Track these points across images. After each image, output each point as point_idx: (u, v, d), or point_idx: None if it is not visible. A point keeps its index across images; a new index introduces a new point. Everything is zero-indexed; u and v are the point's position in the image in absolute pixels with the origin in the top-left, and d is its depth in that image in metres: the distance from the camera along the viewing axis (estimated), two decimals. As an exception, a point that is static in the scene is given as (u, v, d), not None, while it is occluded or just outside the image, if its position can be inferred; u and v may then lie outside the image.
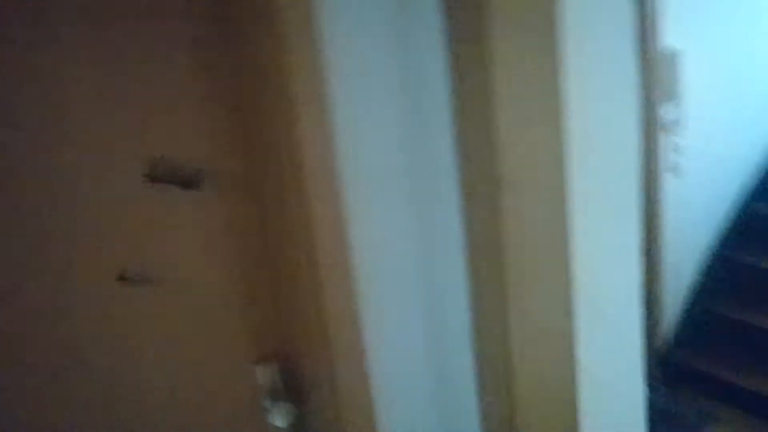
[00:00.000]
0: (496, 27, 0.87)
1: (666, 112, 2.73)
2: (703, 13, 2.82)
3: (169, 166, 0.99)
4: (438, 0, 0.94)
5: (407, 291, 1.04)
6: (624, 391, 1.26)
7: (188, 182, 0.98)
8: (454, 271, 1.00)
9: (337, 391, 0.95)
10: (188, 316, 1.05)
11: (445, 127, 0.92)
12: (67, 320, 1.04)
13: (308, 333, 0.94)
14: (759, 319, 2.87)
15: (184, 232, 1.05)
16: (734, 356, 2.89)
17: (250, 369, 0.98)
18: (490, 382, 0.99)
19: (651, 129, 2.70)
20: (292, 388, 0.97)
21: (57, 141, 0.99)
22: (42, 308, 1.02)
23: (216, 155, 1.01)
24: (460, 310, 0.99)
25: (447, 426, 1.07)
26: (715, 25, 2.86)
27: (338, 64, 0.89)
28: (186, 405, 1.06)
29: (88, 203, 1.03)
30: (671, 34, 2.67)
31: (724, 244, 3.07)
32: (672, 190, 2.81)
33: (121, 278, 1.02)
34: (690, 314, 3.01)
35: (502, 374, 0.95)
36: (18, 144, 0.97)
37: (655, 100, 2.69)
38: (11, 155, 0.97)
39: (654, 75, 2.64)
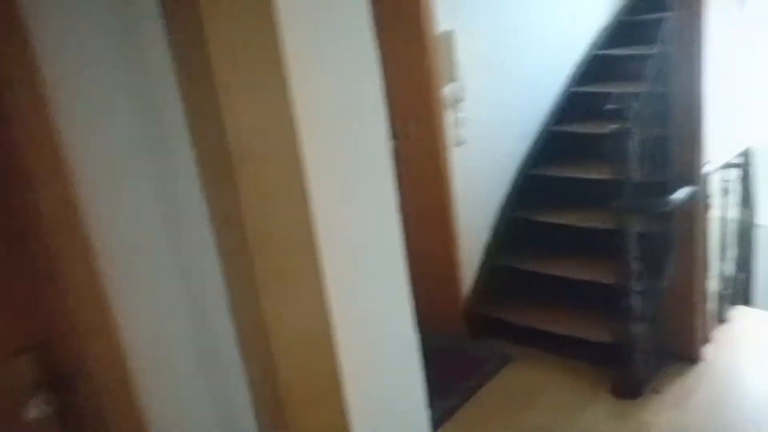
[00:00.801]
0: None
1: (448, 90, 3.00)
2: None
3: None
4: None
5: (157, 269, 1.09)
6: (394, 362, 1.40)
7: None
8: (203, 246, 1.06)
9: (93, 375, 0.97)
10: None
11: (174, 100, 0.98)
12: None
13: (63, 318, 0.95)
14: (543, 267, 3.29)
15: None
16: (526, 302, 3.29)
17: (8, 360, 0.97)
18: (252, 358, 1.07)
19: (435, 107, 2.95)
20: (54, 377, 0.98)
21: None
22: None
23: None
24: (215, 284, 1.06)
25: (214, 403, 1.14)
26: (486, 5, 3.19)
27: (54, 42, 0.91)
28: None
29: None
30: (446, 18, 2.93)
31: (508, 205, 3.46)
32: (460, 161, 3.10)
33: None
34: (486, 270, 3.37)
35: (262, 353, 1.03)
36: None
37: (437, 81, 2.95)
38: None
39: (434, 57, 2.88)
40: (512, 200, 3.48)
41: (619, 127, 2.41)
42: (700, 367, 2.85)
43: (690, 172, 2.62)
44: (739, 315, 3.28)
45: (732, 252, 3.21)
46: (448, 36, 2.95)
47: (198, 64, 0.92)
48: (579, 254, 3.25)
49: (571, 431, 2.57)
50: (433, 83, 2.93)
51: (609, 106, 2.39)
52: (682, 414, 2.58)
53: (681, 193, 2.55)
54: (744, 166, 3.16)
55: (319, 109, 1.10)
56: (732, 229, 3.19)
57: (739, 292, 3.36)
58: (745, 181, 3.20)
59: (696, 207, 2.65)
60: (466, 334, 3.28)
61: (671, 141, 2.64)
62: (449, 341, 3.23)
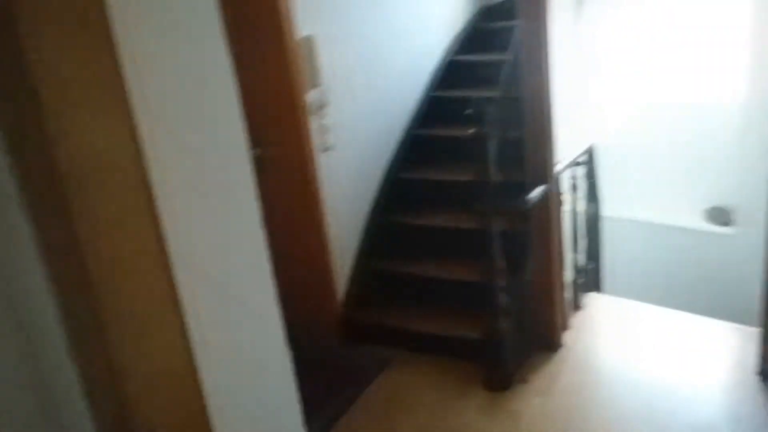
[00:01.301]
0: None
1: (312, 96, 2.95)
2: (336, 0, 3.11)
3: None
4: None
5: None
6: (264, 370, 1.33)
7: None
8: (35, 285, 0.93)
9: None
10: None
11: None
12: None
13: None
14: (414, 269, 3.34)
15: None
16: (400, 305, 3.32)
17: None
18: (103, 407, 0.96)
19: (300, 113, 2.89)
20: None
21: None
22: None
23: None
24: (51, 326, 0.93)
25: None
26: (346, 11, 3.18)
27: None
28: None
29: None
30: (307, 23, 2.88)
31: (378, 209, 3.48)
32: (327, 167, 3.07)
33: None
34: (359, 275, 3.36)
35: (114, 400, 0.92)
36: None
37: (300, 86, 2.89)
38: None
39: (295, 62, 2.82)
40: (381, 204, 3.50)
41: (478, 131, 2.49)
42: (562, 353, 3.04)
43: (543, 171, 2.78)
44: (592, 301, 3.55)
45: (583, 243, 3.46)
46: (309, 41, 2.90)
47: (20, 86, 0.80)
48: (448, 255, 3.34)
49: (448, 428, 2.63)
50: (296, 89, 2.87)
51: (469, 111, 2.47)
52: (549, 399, 2.73)
53: (536, 192, 2.70)
54: (588, 163, 3.42)
55: (167, 123, 1.00)
56: (581, 222, 3.44)
57: (591, 280, 3.64)
58: (590, 177, 3.47)
59: (550, 204, 2.82)
60: (343, 342, 3.25)
61: (526, 143, 2.78)
62: (326, 351, 3.18)
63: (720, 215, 4.49)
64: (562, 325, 3.11)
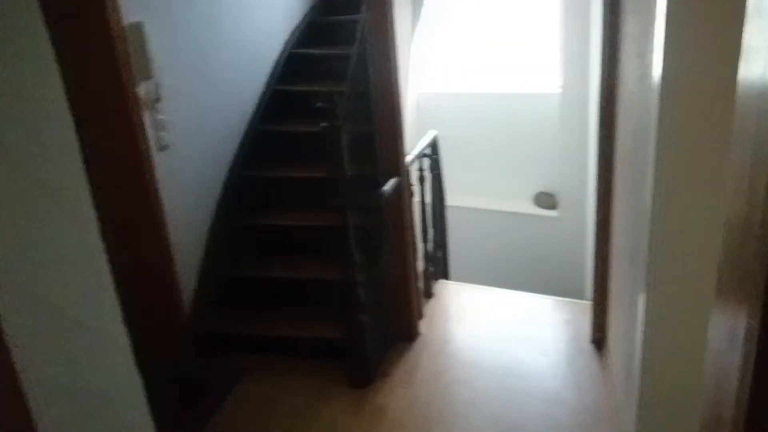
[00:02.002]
0: None
1: (143, 90, 2.68)
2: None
3: None
4: None
5: None
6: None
7: None
8: None
9: None
10: None
11: None
12: None
13: None
14: (267, 271, 3.19)
15: None
16: (254, 311, 3.15)
17: None
18: None
19: (131, 108, 2.61)
20: None
21: None
22: None
23: None
24: None
25: None
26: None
27: None
28: None
29: None
30: (135, 8, 2.60)
31: (223, 211, 3.27)
32: (165, 167, 2.81)
33: None
34: (206, 283, 3.14)
35: None
36: None
37: (130, 79, 2.60)
38: None
39: (122, 52, 2.54)
40: (226, 205, 3.30)
41: (330, 125, 2.43)
42: (419, 343, 3.10)
43: (395, 164, 2.79)
44: (442, 288, 3.67)
45: (431, 233, 3.56)
46: (137, 28, 2.62)
47: None
48: (300, 254, 3.25)
49: (315, 430, 2.55)
50: (125, 81, 2.58)
51: (319, 104, 2.39)
52: (410, 390, 2.77)
53: (389, 185, 2.71)
54: (433, 154, 3.52)
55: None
56: (429, 213, 3.53)
57: (439, 268, 3.76)
58: (435, 168, 3.57)
59: (402, 196, 2.85)
60: (195, 356, 3.01)
61: (376, 136, 2.77)
62: (176, 367, 2.93)
63: (546, 200, 4.90)
64: (417, 315, 3.16)
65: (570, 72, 4.38)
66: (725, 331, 0.68)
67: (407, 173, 2.90)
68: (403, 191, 2.83)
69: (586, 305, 3.44)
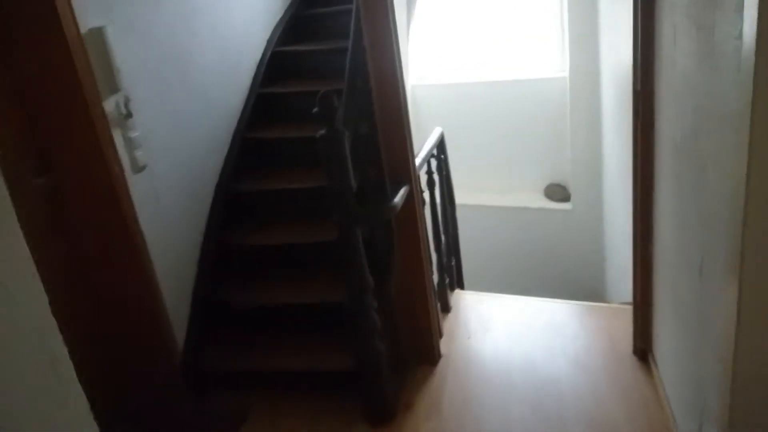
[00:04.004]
0: None
1: (110, 104, 2.34)
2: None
3: None
4: None
5: None
6: None
7: None
8: None
9: None
10: None
11: None
12: None
13: None
14: (265, 297, 2.86)
15: None
16: (253, 342, 2.82)
17: None
18: None
19: (97, 127, 2.27)
20: None
21: None
22: None
23: None
24: None
25: None
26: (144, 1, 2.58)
27: None
28: None
29: None
30: (95, 12, 2.26)
31: (212, 230, 2.94)
32: (142, 190, 2.47)
33: None
34: (200, 312, 2.80)
35: None
36: None
37: (93, 93, 2.26)
38: None
39: (83, 62, 2.19)
40: (216, 224, 2.97)
41: (329, 133, 2.10)
42: (442, 366, 2.79)
43: (403, 169, 2.47)
44: (458, 299, 3.36)
45: (443, 240, 3.24)
46: (98, 34, 2.28)
47: None
48: (301, 273, 2.92)
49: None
50: (88, 96, 2.23)
51: (316, 110, 2.06)
52: (438, 423, 2.45)
53: (399, 196, 2.38)
54: (440, 153, 3.19)
55: None
56: (440, 219, 3.21)
57: (453, 277, 3.44)
58: (443, 168, 3.25)
59: (413, 206, 2.52)
60: (191, 394, 2.68)
61: (380, 138, 2.44)
62: (170, 409, 2.60)
63: (558, 192, 4.59)
64: (437, 334, 2.85)
65: (578, 54, 4.06)
66: None
67: (417, 179, 2.58)
68: (413, 200, 2.51)
69: (617, 309, 3.14)
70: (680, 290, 1.96)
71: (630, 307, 3.06)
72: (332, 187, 2.14)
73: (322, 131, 2.10)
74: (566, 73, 4.22)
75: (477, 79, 4.71)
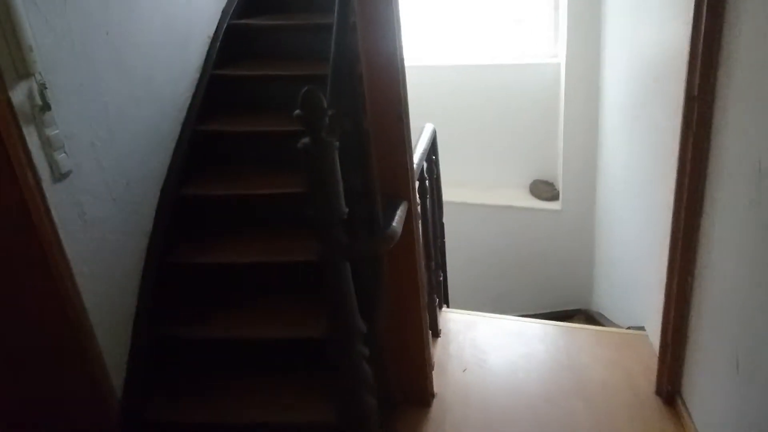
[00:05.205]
0: None
1: (20, 95, 1.77)
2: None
3: None
4: None
5: None
6: None
7: None
8: None
9: None
10: None
11: None
12: None
13: None
14: (221, 330, 2.36)
15: None
16: (205, 386, 2.33)
17: None
18: None
19: (5, 124, 1.71)
20: None
21: None
22: None
23: None
24: None
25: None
26: None
27: None
28: None
29: None
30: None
31: (156, 249, 2.40)
32: (66, 203, 1.92)
33: None
34: (141, 349, 2.28)
35: None
36: None
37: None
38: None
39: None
40: (160, 240, 2.42)
41: (314, 142, 1.60)
42: (435, 408, 2.37)
43: (402, 180, 2.00)
44: (447, 321, 2.94)
45: (433, 254, 2.79)
46: (2, 3, 1.69)
47: None
48: (267, 301, 2.43)
49: None
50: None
51: (298, 113, 1.56)
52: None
53: (398, 215, 1.91)
54: (431, 156, 2.73)
55: None
56: (430, 230, 2.75)
57: (441, 296, 3.01)
58: (433, 171, 2.78)
59: (411, 227, 2.06)
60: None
61: (373, 141, 1.96)
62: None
63: (544, 189, 4.21)
64: (429, 370, 2.42)
65: (576, 38, 3.63)
66: None
67: (415, 190, 2.11)
68: (411, 219, 2.05)
69: (628, 337, 2.79)
70: (729, 328, 1.60)
71: (642, 334, 2.72)
72: (318, 215, 1.64)
73: (305, 140, 1.60)
74: (559, 59, 3.81)
75: (456, 62, 4.24)
